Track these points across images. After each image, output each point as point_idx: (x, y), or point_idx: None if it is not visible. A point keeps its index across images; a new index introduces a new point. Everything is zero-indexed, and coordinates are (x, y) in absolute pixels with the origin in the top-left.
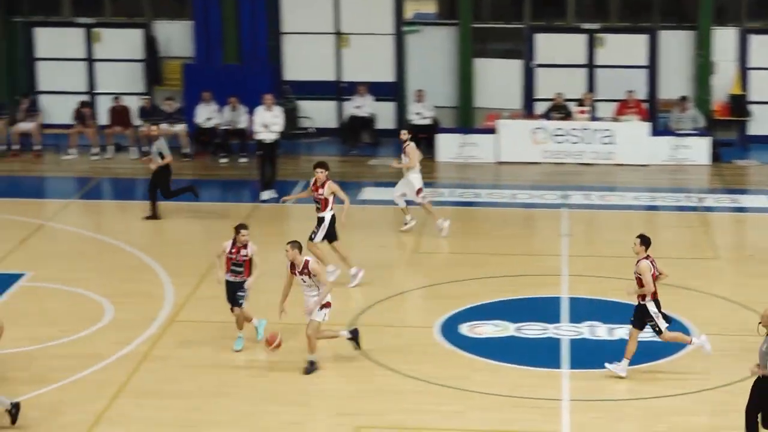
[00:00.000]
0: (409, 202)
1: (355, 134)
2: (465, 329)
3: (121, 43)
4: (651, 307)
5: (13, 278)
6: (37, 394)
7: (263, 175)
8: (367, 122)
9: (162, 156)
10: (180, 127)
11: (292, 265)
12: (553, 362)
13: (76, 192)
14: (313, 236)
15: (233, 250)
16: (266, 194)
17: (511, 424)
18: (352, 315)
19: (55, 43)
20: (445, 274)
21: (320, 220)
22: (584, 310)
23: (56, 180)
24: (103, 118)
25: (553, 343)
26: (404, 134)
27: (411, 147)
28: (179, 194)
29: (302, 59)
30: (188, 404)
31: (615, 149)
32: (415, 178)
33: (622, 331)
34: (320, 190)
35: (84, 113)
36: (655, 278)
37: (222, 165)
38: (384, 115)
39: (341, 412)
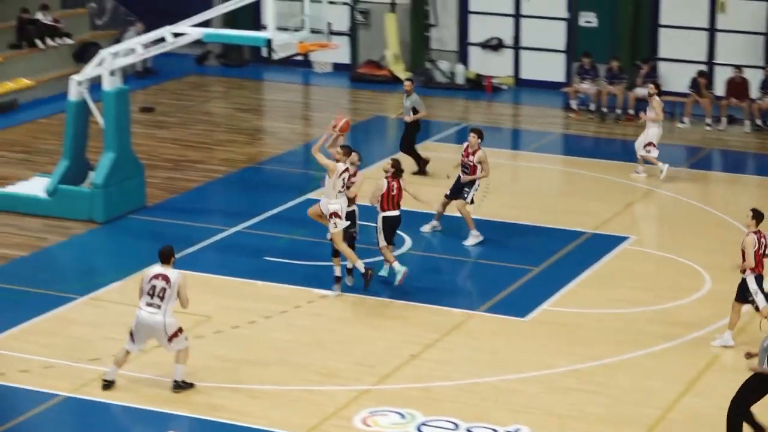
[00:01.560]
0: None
1: None
2: None
3: (745, 14)
4: (751, 283)
5: (618, 240)
6: (627, 357)
7: None
8: None
9: (415, 111)
10: None
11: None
12: None
13: (686, 160)
14: (466, 196)
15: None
16: None
17: None
18: None
19: (679, 11)
20: None
21: (470, 184)
22: None
23: (668, 147)
24: (719, 88)
25: None
26: (652, 88)
27: (657, 101)
28: (415, 158)
29: None
30: None
31: None
32: (653, 133)
33: None
34: (470, 156)
35: (700, 83)
36: (758, 255)
37: None
38: None
39: None
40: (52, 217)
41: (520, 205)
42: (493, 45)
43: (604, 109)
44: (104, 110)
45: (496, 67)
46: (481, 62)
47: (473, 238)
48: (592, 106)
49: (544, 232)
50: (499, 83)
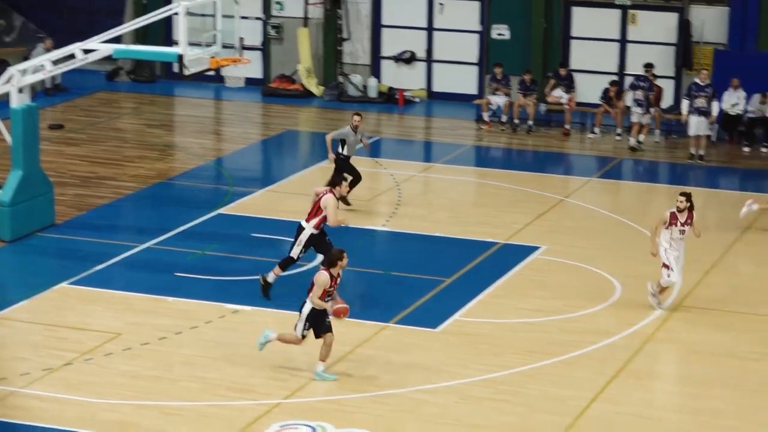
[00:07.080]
0: None
1: None
2: None
3: (656, 25)
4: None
5: (529, 250)
6: (538, 365)
7: None
8: None
9: None
10: None
11: None
12: None
13: (597, 170)
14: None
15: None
16: None
17: None
18: None
19: (590, 23)
20: None
21: None
22: None
23: (579, 157)
24: (630, 99)
25: None
26: None
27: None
28: None
29: None
30: (688, 390)
31: None
32: None
33: None
34: None
35: (611, 93)
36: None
37: (744, 154)
38: None
39: None
40: None
41: (432, 217)
42: (406, 58)
43: (516, 121)
44: (12, 128)
45: (409, 80)
46: (393, 75)
47: None
48: (504, 118)
49: (456, 243)
50: (411, 96)
